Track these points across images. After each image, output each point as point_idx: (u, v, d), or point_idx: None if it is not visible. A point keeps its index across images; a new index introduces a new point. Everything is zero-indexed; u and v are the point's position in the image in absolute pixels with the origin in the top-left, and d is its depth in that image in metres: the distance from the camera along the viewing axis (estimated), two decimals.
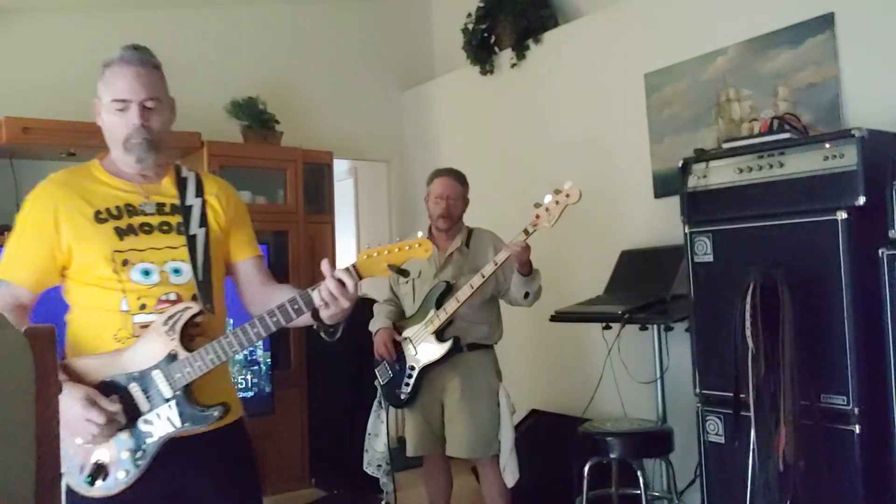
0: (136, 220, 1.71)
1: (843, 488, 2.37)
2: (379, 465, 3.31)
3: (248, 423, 4.33)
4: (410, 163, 5.46)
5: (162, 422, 1.62)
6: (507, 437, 3.08)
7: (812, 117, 3.05)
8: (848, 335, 2.37)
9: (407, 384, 3.10)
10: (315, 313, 1.69)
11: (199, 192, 1.81)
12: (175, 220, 1.75)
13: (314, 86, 5.07)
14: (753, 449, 2.44)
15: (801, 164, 2.54)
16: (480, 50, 4.74)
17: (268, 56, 4.88)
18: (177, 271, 1.70)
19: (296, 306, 1.66)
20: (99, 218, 1.68)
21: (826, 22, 3.05)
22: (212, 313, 1.72)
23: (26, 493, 0.79)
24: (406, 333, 3.11)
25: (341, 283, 1.63)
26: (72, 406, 1.52)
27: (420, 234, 1.73)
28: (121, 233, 1.68)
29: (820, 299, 2.42)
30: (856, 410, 2.36)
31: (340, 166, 5.63)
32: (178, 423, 1.62)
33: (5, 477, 0.76)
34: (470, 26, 4.78)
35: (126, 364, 1.62)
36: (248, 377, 3.92)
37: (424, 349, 3.06)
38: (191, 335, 1.65)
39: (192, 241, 1.73)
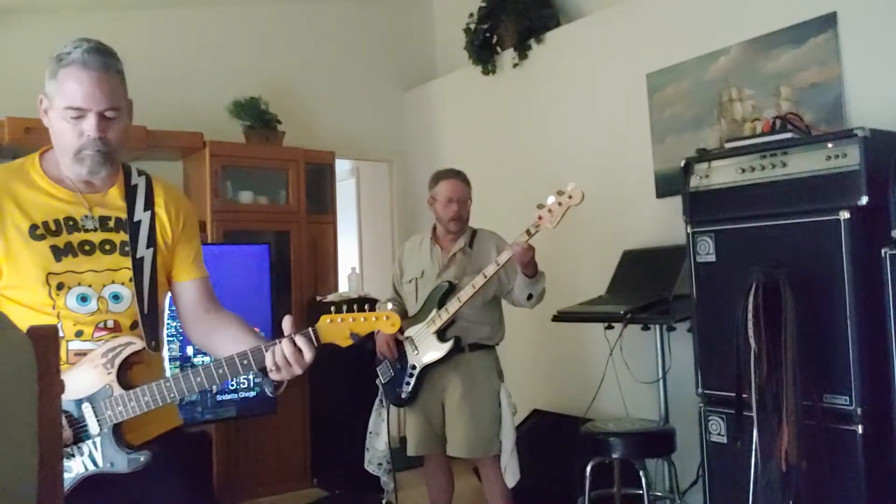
0: (76, 238, 1.56)
1: (846, 489, 2.36)
2: (380, 464, 3.31)
3: (251, 423, 4.35)
4: (412, 163, 5.47)
5: (83, 458, 1.52)
6: (508, 438, 3.08)
7: (814, 117, 3.05)
8: (850, 335, 2.37)
9: (408, 383, 3.10)
10: (263, 368, 1.59)
11: (149, 203, 1.66)
12: (119, 237, 1.61)
13: (316, 86, 5.07)
14: (756, 449, 2.44)
15: (803, 163, 2.54)
16: (482, 50, 4.74)
17: (270, 56, 4.89)
18: (116, 297, 1.58)
19: (245, 362, 1.56)
20: (35, 234, 1.52)
21: (828, 21, 3.05)
22: (156, 351, 1.62)
23: (29, 493, 0.79)
24: (408, 333, 3.11)
25: (299, 349, 1.55)
26: None
27: (390, 305, 1.67)
28: (58, 252, 1.53)
29: (822, 299, 2.42)
30: (858, 411, 2.36)
31: (342, 166, 5.64)
32: (99, 462, 1.52)
33: (8, 477, 0.76)
34: (472, 26, 4.78)
35: None
36: (250, 377, 3.92)
37: (426, 349, 3.06)
38: (129, 363, 1.56)
39: (138, 265, 1.61)
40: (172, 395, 1.55)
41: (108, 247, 1.60)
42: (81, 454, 1.52)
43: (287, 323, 1.58)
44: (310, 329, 1.57)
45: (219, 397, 3.80)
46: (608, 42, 4.02)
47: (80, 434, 1.52)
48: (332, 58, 5.17)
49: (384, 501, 3.46)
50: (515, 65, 4.56)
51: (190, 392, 1.56)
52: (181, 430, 1.71)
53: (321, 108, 5.07)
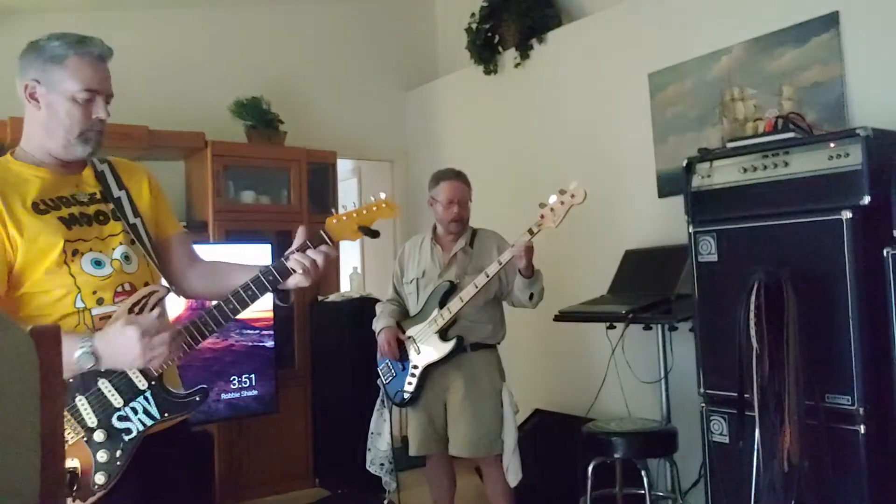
0: (76, 210, 1.62)
1: (848, 489, 2.36)
2: (382, 464, 3.31)
3: (253, 422, 4.36)
4: (414, 162, 5.47)
5: (139, 416, 1.54)
6: (510, 437, 3.08)
7: (817, 116, 3.05)
8: (853, 335, 2.37)
9: (410, 383, 3.10)
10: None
11: (120, 183, 1.74)
12: (108, 207, 1.68)
13: (318, 85, 5.07)
14: (758, 449, 2.44)
15: (805, 163, 2.54)
16: (484, 49, 4.74)
17: (272, 56, 4.89)
18: (127, 258, 1.64)
19: (270, 277, 1.62)
20: (38, 209, 1.57)
21: (831, 21, 3.05)
22: (178, 294, 1.69)
23: (31, 491, 0.79)
24: (410, 332, 3.12)
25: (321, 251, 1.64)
26: (122, 337, 1.45)
27: (383, 195, 1.70)
28: (65, 222, 1.59)
29: (825, 299, 2.41)
30: (861, 410, 2.36)
31: (344, 166, 5.64)
32: (156, 414, 1.55)
33: (11, 476, 0.76)
34: (474, 26, 4.78)
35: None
36: (253, 376, 3.92)
37: (428, 348, 3.06)
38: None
39: (134, 230, 1.68)
40: (210, 328, 1.59)
41: (101, 217, 1.66)
42: (136, 413, 1.54)
43: (300, 232, 1.66)
44: (322, 232, 1.65)
45: (222, 396, 3.80)
46: (610, 42, 4.02)
47: (129, 394, 1.54)
48: (333, 57, 5.17)
49: (386, 502, 3.46)
50: (517, 65, 4.56)
51: (225, 321, 1.60)
52: (186, 424, 1.72)
53: (323, 107, 5.07)
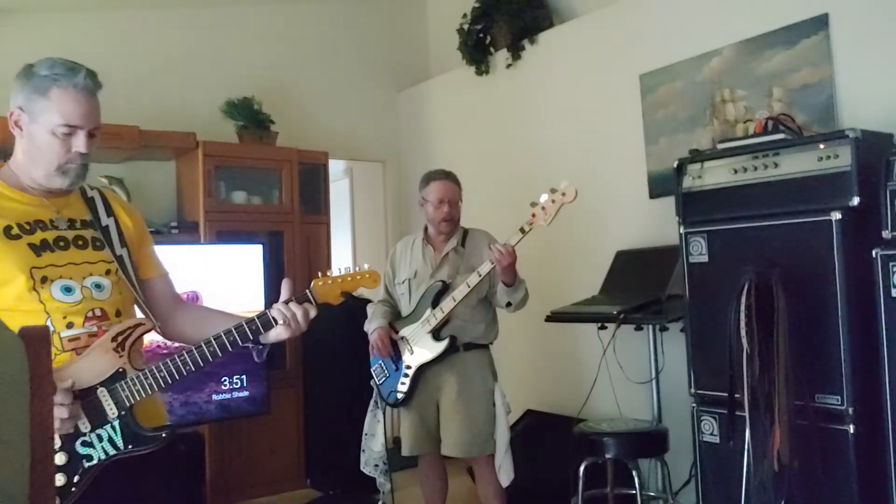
0: (50, 235, 1.60)
1: (838, 488, 2.38)
2: (376, 465, 3.31)
3: (245, 423, 4.33)
4: (406, 163, 5.46)
5: (103, 444, 1.54)
6: (502, 437, 3.08)
7: (806, 118, 3.06)
8: (842, 335, 2.38)
9: (403, 383, 3.10)
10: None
11: (109, 211, 1.74)
12: (89, 234, 1.66)
13: (310, 86, 5.06)
14: (748, 449, 2.45)
15: (795, 164, 2.55)
16: (476, 50, 4.74)
17: (263, 56, 4.88)
18: (98, 286, 1.62)
19: (253, 327, 1.66)
20: (10, 234, 1.55)
21: (820, 23, 3.06)
22: (160, 332, 1.71)
23: (21, 493, 0.79)
24: (402, 333, 3.12)
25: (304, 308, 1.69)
26: None
27: (366, 266, 1.79)
28: (36, 249, 1.56)
29: (815, 299, 2.43)
30: (850, 410, 2.37)
31: (336, 166, 5.62)
32: (120, 445, 1.55)
33: (0, 477, 0.76)
34: (465, 27, 4.78)
35: (66, 381, 1.51)
36: (244, 377, 3.91)
37: (421, 348, 3.06)
38: (137, 347, 1.61)
39: (120, 261, 1.68)
40: (188, 367, 1.61)
41: (80, 242, 1.65)
42: (101, 440, 1.55)
43: (286, 286, 1.73)
44: (307, 291, 1.72)
45: (213, 397, 3.79)
46: (601, 43, 4.03)
47: (97, 421, 1.55)
48: (325, 58, 5.17)
49: (380, 502, 3.46)
50: (509, 65, 4.56)
51: (204, 362, 1.62)
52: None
53: (315, 108, 5.06)
